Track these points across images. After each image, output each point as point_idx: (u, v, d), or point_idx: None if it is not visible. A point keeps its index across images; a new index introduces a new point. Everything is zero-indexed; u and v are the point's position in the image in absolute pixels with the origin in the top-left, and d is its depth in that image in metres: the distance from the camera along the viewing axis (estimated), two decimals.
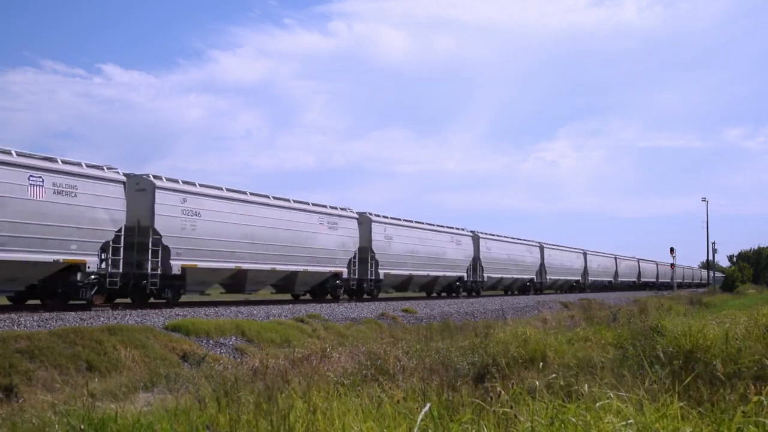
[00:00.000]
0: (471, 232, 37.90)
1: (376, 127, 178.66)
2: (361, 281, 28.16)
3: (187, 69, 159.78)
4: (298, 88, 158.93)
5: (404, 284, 32.33)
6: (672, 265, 62.40)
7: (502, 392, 5.34)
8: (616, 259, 64.24)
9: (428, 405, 4.78)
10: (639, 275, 71.08)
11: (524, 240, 44.74)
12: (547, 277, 47.14)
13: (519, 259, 42.87)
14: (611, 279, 62.10)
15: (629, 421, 4.32)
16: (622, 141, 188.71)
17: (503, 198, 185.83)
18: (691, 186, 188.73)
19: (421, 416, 4.52)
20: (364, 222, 28.08)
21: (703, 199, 66.68)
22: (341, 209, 26.90)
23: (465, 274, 36.36)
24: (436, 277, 33.95)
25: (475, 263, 37.41)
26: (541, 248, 46.46)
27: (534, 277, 45.27)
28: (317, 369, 8.47)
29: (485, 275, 38.05)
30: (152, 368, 11.40)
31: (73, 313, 15.82)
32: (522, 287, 44.92)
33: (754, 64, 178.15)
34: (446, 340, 12.85)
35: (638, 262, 72.11)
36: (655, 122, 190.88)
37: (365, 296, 28.82)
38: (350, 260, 26.93)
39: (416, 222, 32.52)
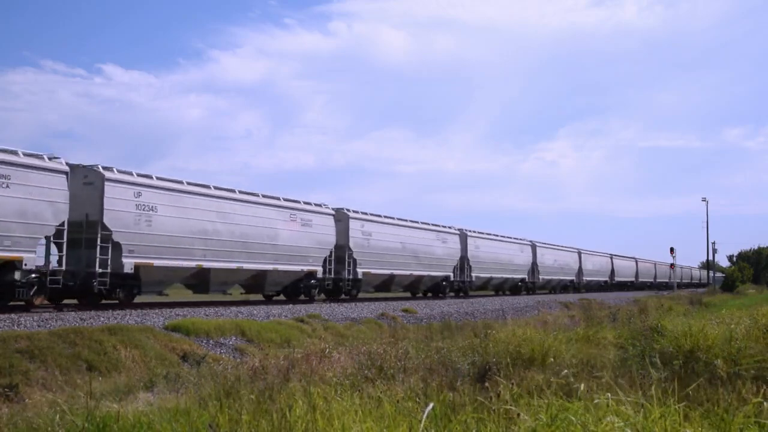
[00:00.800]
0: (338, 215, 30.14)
1: (376, 127, 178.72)
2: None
3: (187, 69, 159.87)
4: (298, 88, 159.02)
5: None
6: (672, 265, 61.93)
7: (503, 391, 5.34)
8: (580, 254, 54.36)
9: (431, 404, 4.79)
10: (612, 273, 62.51)
11: (436, 226, 34.13)
12: (473, 274, 36.53)
13: (426, 252, 32.37)
14: (574, 278, 52.90)
15: (629, 422, 4.32)
16: (622, 141, 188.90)
17: (503, 198, 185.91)
18: (691, 186, 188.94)
19: (425, 414, 4.52)
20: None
21: (703, 199, 66.75)
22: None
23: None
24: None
25: (345, 254, 27.35)
26: (463, 237, 36.15)
27: (451, 274, 34.64)
28: (317, 369, 8.47)
29: (360, 270, 27.57)
30: (152, 368, 11.39)
31: (73, 312, 15.82)
32: (434, 287, 34.54)
33: (754, 64, 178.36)
34: (446, 340, 12.85)
35: (611, 258, 63.08)
36: (655, 122, 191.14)
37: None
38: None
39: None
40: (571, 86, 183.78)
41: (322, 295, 26.73)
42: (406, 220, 31.40)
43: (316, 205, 25.45)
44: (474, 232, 37.52)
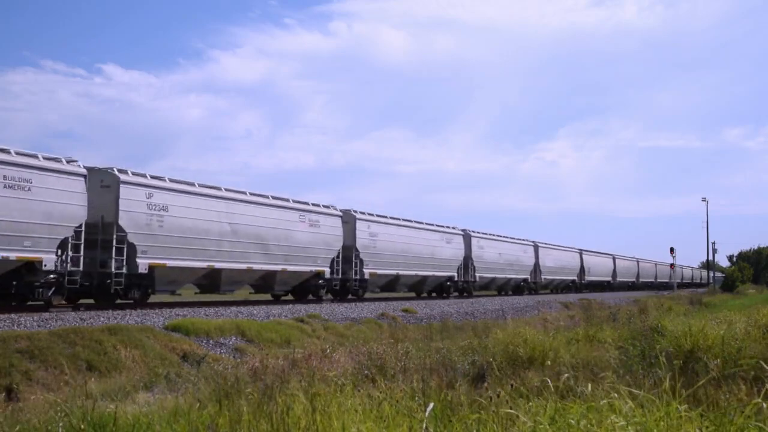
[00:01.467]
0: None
1: (376, 127, 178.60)
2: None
3: (187, 69, 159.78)
4: (298, 88, 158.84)
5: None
6: (672, 265, 61.86)
7: (502, 391, 5.34)
8: (537, 248, 46.44)
9: (432, 404, 4.79)
10: (582, 272, 54.50)
11: (302, 204, 25.59)
12: (366, 270, 28.28)
13: (281, 238, 23.97)
14: (528, 276, 45.33)
15: (630, 422, 4.32)
16: (622, 141, 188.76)
17: (503, 198, 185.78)
18: (691, 186, 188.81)
19: (427, 413, 4.52)
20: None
21: (703, 199, 66.63)
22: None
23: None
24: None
25: (113, 239, 20.05)
26: (350, 221, 27.87)
27: (327, 269, 26.42)
28: (317, 369, 8.47)
29: (143, 261, 18.93)
30: (152, 368, 11.40)
31: (73, 313, 15.83)
32: (302, 286, 25.90)
33: (754, 64, 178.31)
34: (446, 340, 12.86)
35: (580, 254, 54.91)
36: (655, 122, 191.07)
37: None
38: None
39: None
40: (571, 86, 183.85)
41: (97, 299, 18.96)
42: (244, 193, 22.80)
43: (46, 158, 16.66)
44: (370, 215, 28.93)
